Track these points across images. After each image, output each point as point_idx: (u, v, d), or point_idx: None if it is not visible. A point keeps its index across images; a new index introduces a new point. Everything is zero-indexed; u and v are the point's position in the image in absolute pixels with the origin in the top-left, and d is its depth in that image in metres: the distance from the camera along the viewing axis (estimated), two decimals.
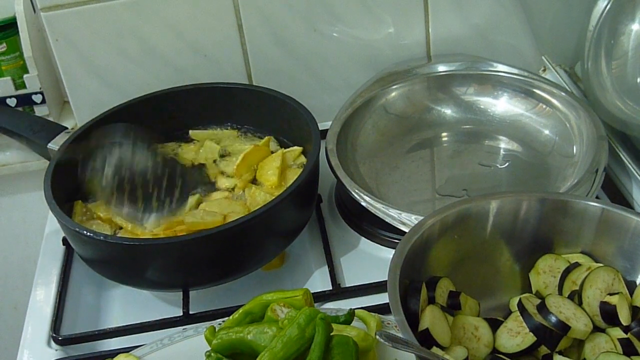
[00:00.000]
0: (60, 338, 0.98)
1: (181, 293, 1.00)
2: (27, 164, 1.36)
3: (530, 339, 0.81)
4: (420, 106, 1.25)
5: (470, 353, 0.81)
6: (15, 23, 1.29)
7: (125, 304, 1.06)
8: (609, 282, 0.84)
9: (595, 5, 1.08)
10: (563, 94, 1.18)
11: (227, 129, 1.22)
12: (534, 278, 0.89)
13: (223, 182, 1.13)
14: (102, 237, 0.96)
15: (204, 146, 1.19)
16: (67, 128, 1.17)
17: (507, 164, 1.17)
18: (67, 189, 1.09)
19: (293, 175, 1.09)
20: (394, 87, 1.25)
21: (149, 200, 1.09)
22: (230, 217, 1.03)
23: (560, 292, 0.87)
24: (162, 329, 0.97)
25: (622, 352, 0.79)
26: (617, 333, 0.81)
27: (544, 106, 1.19)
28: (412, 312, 0.80)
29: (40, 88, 1.32)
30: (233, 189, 1.11)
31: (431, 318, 0.80)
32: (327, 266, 1.04)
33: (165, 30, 1.27)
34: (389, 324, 0.90)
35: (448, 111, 1.26)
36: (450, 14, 1.31)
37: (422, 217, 0.87)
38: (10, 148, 1.37)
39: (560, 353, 0.81)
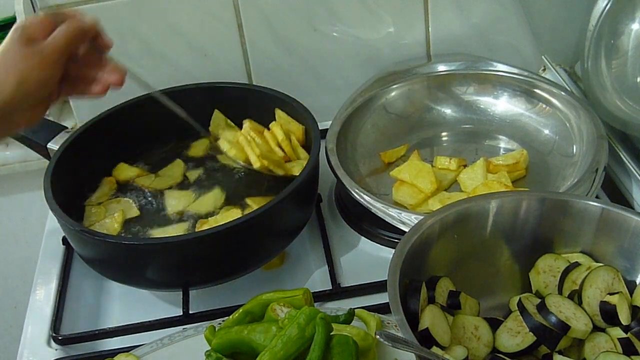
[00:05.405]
0: (60, 337, 0.98)
1: (181, 293, 1.00)
2: (27, 163, 1.36)
3: (530, 338, 0.81)
4: (420, 106, 1.25)
5: (470, 353, 0.81)
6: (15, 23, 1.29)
7: (125, 303, 1.06)
8: (609, 282, 0.84)
9: (595, 5, 1.08)
10: (563, 93, 1.18)
11: None
12: (534, 278, 0.89)
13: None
14: (102, 237, 0.96)
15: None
16: (67, 128, 1.17)
17: None
18: (67, 188, 1.09)
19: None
20: (394, 86, 1.25)
21: None
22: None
23: (560, 292, 0.87)
24: (162, 328, 0.97)
25: (622, 352, 0.79)
26: (617, 333, 0.81)
27: (544, 106, 1.19)
28: (412, 312, 0.79)
29: None
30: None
31: (431, 318, 0.80)
32: (327, 266, 1.04)
33: (165, 30, 1.27)
34: (389, 323, 0.90)
35: (448, 111, 1.25)
36: (450, 14, 1.31)
37: (422, 217, 0.87)
38: (10, 147, 1.37)
39: (560, 353, 0.81)
